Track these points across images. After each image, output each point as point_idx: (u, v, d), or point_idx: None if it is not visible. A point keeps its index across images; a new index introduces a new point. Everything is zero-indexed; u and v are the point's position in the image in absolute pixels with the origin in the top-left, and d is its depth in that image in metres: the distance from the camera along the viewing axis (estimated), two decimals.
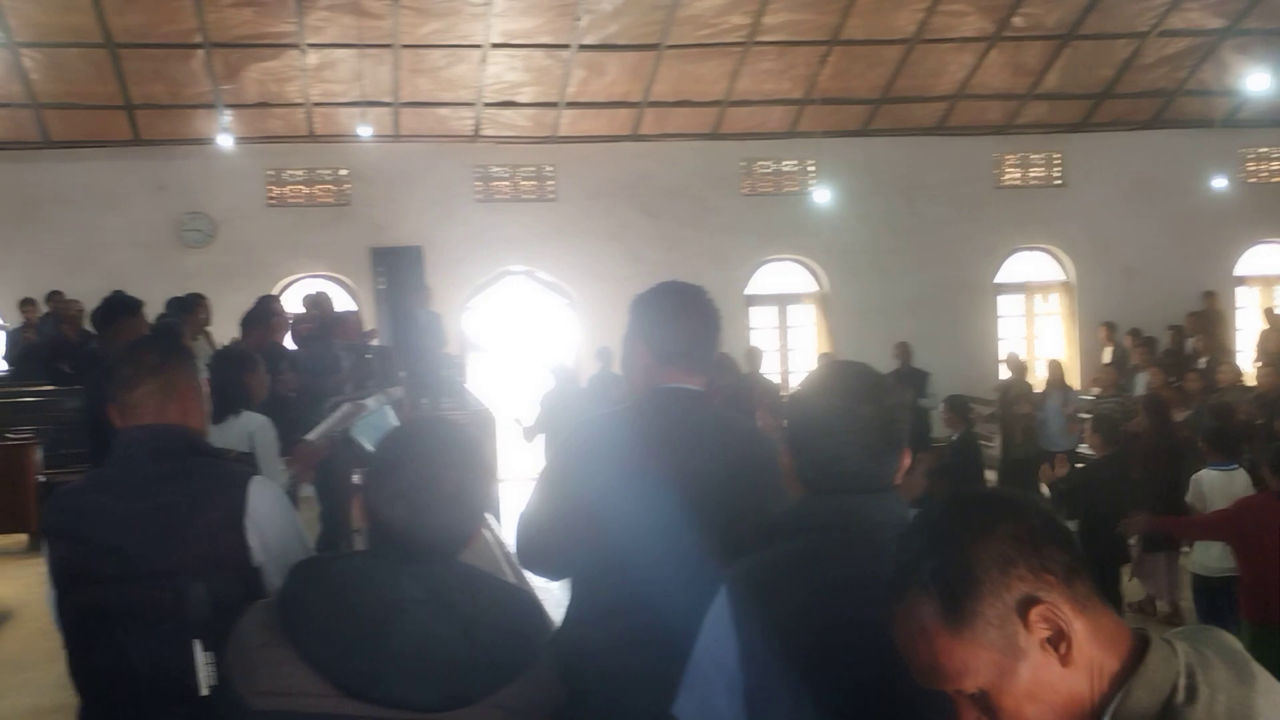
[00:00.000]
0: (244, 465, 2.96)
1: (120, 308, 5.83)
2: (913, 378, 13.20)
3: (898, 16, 15.13)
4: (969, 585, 1.54)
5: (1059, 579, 1.54)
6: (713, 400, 3.27)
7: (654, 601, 2.75)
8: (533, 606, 2.16)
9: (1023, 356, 14.95)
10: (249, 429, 4.84)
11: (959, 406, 10.14)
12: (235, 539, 2.70)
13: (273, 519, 2.78)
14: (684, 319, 3.02)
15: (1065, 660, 1.53)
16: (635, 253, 16.09)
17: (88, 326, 11.55)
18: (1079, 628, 1.54)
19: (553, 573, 3.23)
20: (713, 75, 15.68)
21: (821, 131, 16.29)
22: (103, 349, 10.64)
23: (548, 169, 16.83)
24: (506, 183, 16.85)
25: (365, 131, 15.12)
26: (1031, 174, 18.00)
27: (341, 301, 14.23)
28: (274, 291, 15.54)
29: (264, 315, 6.99)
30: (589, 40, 14.81)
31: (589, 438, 3.03)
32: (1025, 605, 1.53)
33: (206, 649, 2.62)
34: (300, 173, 16.48)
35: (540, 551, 3.03)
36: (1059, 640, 1.53)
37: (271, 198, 16.41)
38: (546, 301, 16.91)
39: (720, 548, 2.76)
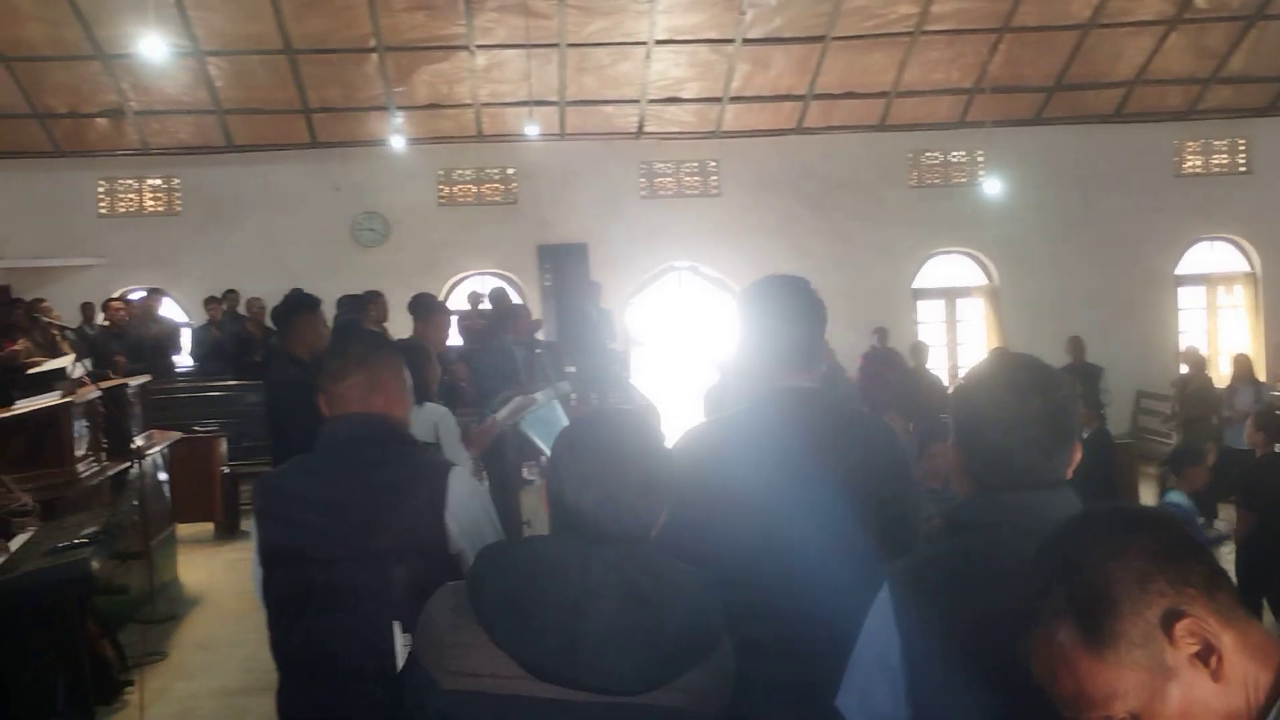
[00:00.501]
0: (442, 456, 3.04)
1: (298, 305, 6.02)
2: (1086, 373, 12.81)
3: (1071, 1, 14.70)
4: (1107, 605, 1.47)
5: (1200, 591, 1.47)
6: (828, 396, 3.19)
7: (786, 605, 2.74)
8: (711, 593, 2.16)
9: (1204, 351, 14.36)
10: (432, 419, 4.93)
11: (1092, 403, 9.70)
12: (435, 525, 2.77)
13: (470, 508, 2.85)
14: (794, 315, 2.96)
15: (1217, 675, 1.45)
16: (800, 246, 15.97)
17: (269, 323, 11.98)
18: (1227, 640, 1.46)
19: None
20: (880, 66, 15.45)
21: (992, 121, 15.91)
22: (280, 345, 11.07)
23: (711, 164, 16.82)
24: (670, 179, 16.90)
25: (532, 130, 15.32)
26: (1214, 161, 17.27)
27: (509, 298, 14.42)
28: (444, 288, 15.94)
29: (430, 311, 7.15)
30: (753, 34, 14.74)
31: (709, 441, 2.99)
32: (1169, 620, 1.45)
33: (405, 630, 2.69)
34: (469, 172, 16.80)
35: (670, 553, 3.02)
36: (1208, 654, 1.45)
37: (442, 197, 16.77)
38: (711, 297, 16.89)
39: (856, 546, 2.72)
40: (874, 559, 2.78)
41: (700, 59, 15.24)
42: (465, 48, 14.77)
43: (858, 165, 16.62)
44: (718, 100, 15.87)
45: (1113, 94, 16.36)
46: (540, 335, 12.21)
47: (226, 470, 10.35)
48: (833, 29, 14.68)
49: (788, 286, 3.00)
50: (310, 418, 5.44)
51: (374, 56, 14.81)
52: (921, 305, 17.31)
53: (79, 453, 7.05)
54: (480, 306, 14.34)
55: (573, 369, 11.39)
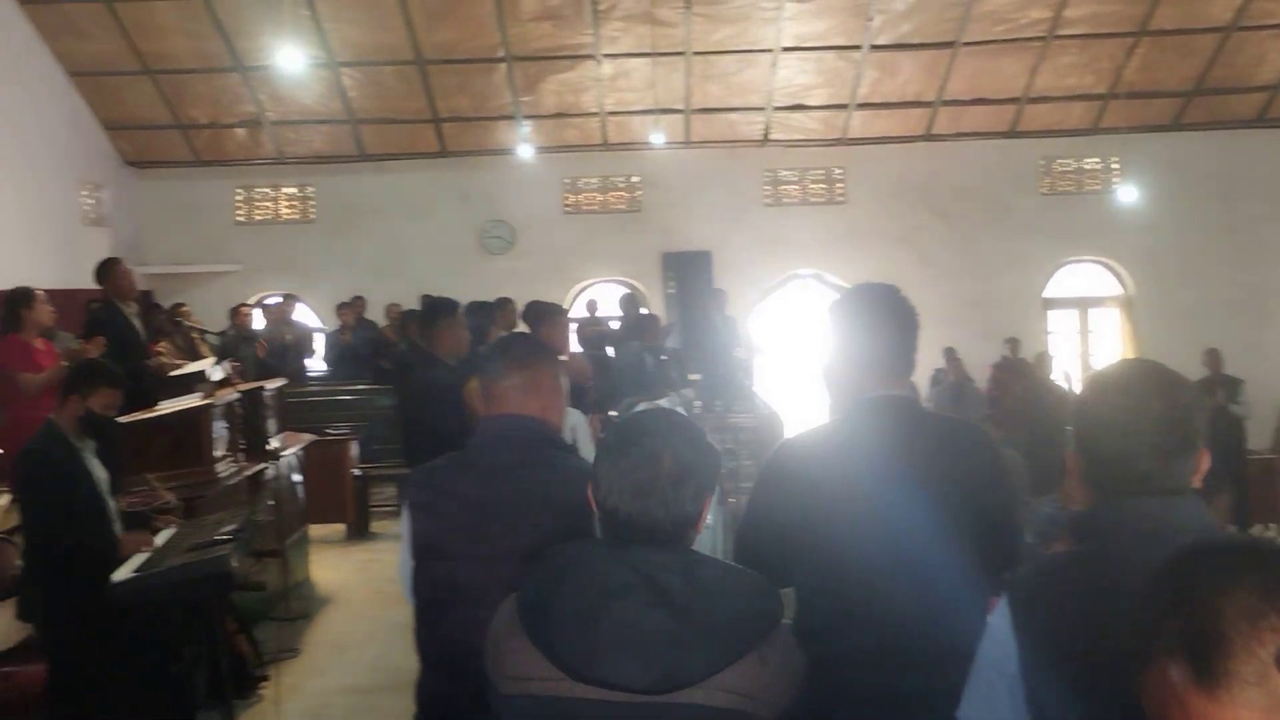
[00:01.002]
0: (586, 464, 3.08)
1: (441, 309, 6.15)
2: (1225, 385, 12.42)
3: (1212, 4, 14.28)
4: (1218, 643, 1.41)
5: None
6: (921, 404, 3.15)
7: (884, 614, 2.72)
8: (760, 591, 2.15)
9: None
10: (570, 423, 4.98)
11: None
12: (582, 528, 2.80)
13: None
14: (884, 323, 2.93)
15: None
16: (927, 255, 15.77)
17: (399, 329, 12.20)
18: None
19: (771, 578, 3.19)
20: (1011, 71, 15.18)
21: (1127, 127, 15.53)
22: (413, 349, 11.26)
23: (837, 171, 16.69)
24: (795, 186, 16.82)
25: (657, 139, 15.39)
26: None
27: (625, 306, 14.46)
28: (569, 295, 16.07)
29: (550, 315, 7.23)
30: (881, 40, 14.60)
31: (805, 451, 2.98)
32: None
33: None
34: (595, 180, 16.93)
35: (757, 562, 3.01)
36: None
37: (567, 205, 16.92)
38: None
39: (954, 554, 2.68)
40: (973, 567, 2.75)
41: (827, 65, 15.14)
42: (592, 57, 14.88)
43: (987, 172, 16.35)
44: (844, 107, 15.75)
45: (1255, 99, 15.84)
46: (669, 342, 12.21)
47: (357, 473, 10.56)
48: (963, 34, 14.47)
49: (877, 294, 2.99)
50: (453, 417, 5.54)
51: (502, 66, 15.01)
52: (1053, 315, 16.95)
53: (218, 453, 7.24)
54: (594, 314, 14.49)
55: (697, 377, 11.38)
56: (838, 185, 16.75)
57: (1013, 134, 16.20)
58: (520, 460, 2.89)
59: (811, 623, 2.82)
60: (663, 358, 8.90)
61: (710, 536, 6.46)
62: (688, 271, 16.26)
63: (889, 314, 2.95)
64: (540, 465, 2.90)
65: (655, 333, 9.65)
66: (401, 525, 3.04)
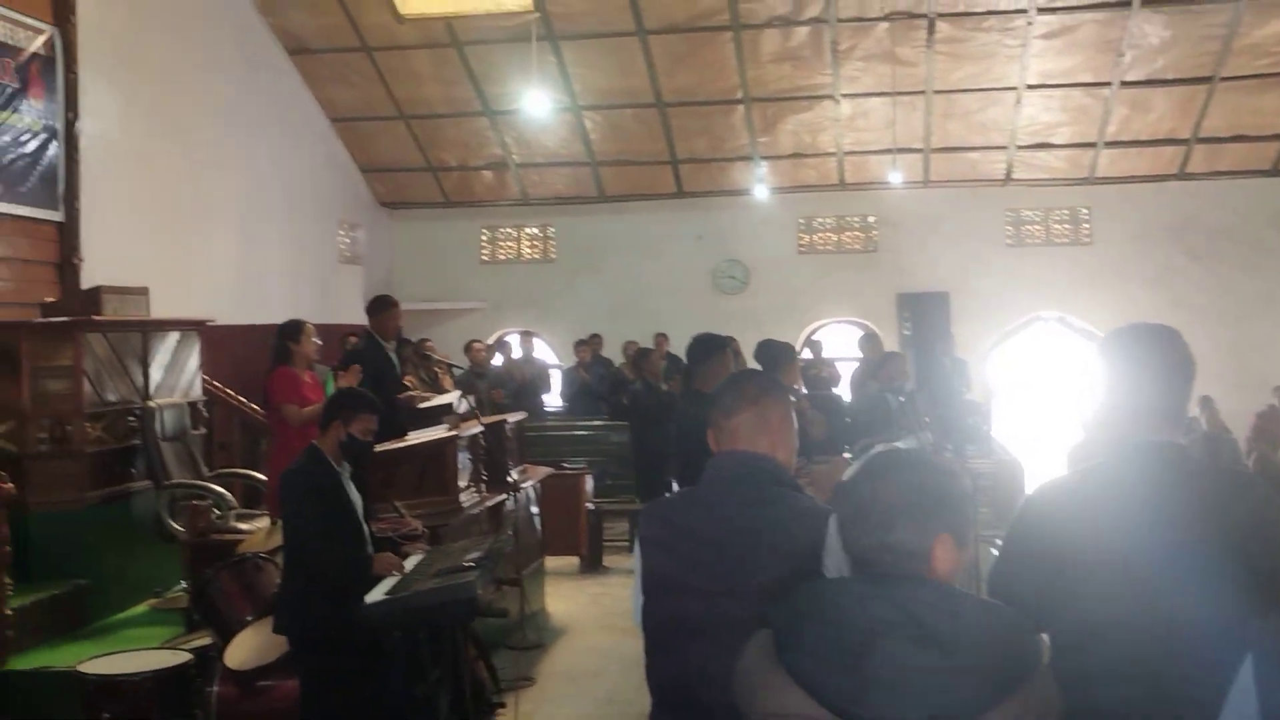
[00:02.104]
0: (819, 504, 3.06)
1: (711, 346, 6.18)
2: None
3: None
4: None
5: None
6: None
7: (1151, 666, 2.62)
8: (1021, 628, 2.11)
9: None
10: None
11: None
12: (813, 569, 2.78)
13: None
14: (1161, 365, 2.80)
15: None
16: (1179, 298, 15.07)
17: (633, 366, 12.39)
18: None
19: None
20: (1273, 107, 14.40)
21: None
22: (646, 387, 11.39)
23: (1083, 211, 16.15)
24: (1038, 226, 16.35)
25: (895, 178, 15.22)
26: None
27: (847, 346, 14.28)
28: (801, 335, 15.99)
29: (783, 357, 7.20)
30: (1132, 76, 14.09)
31: (1070, 495, 2.86)
32: None
33: None
34: (830, 220, 16.86)
35: (1013, 606, 2.92)
36: None
37: (802, 245, 16.90)
38: (1079, 349, 16.17)
39: (1229, 606, 2.54)
40: (1238, 624, 2.60)
41: (1074, 103, 14.69)
42: (830, 97, 14.86)
43: (1247, 212, 15.53)
44: (1092, 145, 15.24)
45: None
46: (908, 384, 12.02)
47: (591, 507, 10.73)
48: (1221, 69, 13.83)
49: (1154, 334, 2.87)
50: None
51: (740, 108, 15.14)
52: None
53: (462, 483, 7.48)
54: (819, 355, 14.37)
55: (928, 420, 11.15)
56: (1084, 225, 16.21)
57: (1275, 172, 15.35)
58: (751, 497, 2.87)
59: (1067, 672, 2.72)
60: (901, 399, 8.78)
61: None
62: (925, 312, 16.00)
63: (1165, 356, 2.83)
64: (771, 503, 2.87)
65: (897, 373, 9.48)
66: (633, 560, 3.06)
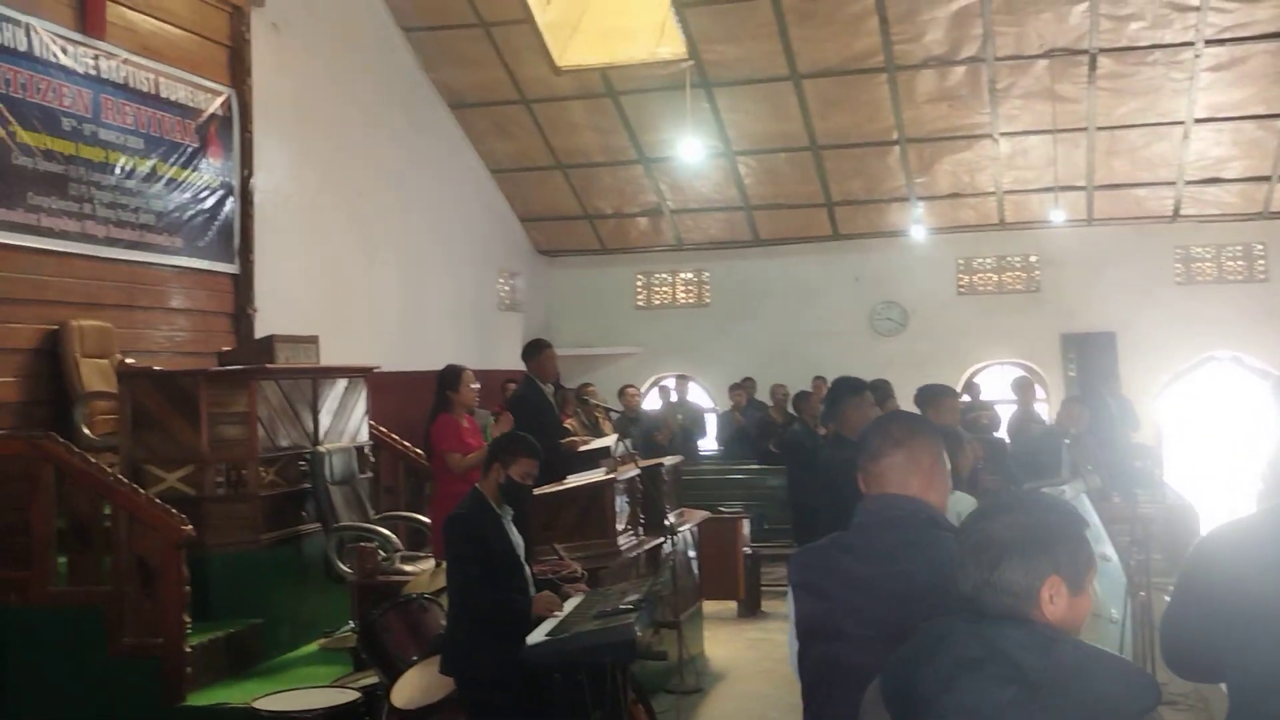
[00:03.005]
0: None
1: (848, 388, 6.15)
2: None
3: None
4: None
5: None
6: None
7: None
8: (1129, 678, 2.06)
9: None
10: (957, 509, 4.86)
11: None
12: None
13: None
14: None
15: None
16: None
17: (790, 410, 12.33)
18: None
19: (1200, 675, 3.03)
20: None
21: None
22: (805, 430, 11.32)
23: (1258, 247, 15.57)
24: (1209, 263, 15.81)
25: (1057, 217, 14.91)
26: None
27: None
28: (962, 378, 15.71)
29: (940, 396, 7.07)
30: None
31: (1244, 539, 2.77)
32: None
33: None
34: (990, 260, 16.59)
35: (1187, 653, 2.86)
36: None
37: (961, 285, 16.66)
38: (1255, 389, 15.52)
39: None
40: None
41: (1245, 136, 14.20)
42: (989, 136, 14.65)
43: None
44: (1265, 179, 14.69)
45: None
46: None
47: (748, 551, 10.68)
48: None
49: None
50: (856, 497, 5.53)
51: (896, 149, 15.03)
52: None
53: (620, 526, 7.53)
54: (977, 399, 14.08)
55: (1092, 466, 10.83)
56: (1258, 262, 15.61)
57: None
58: (904, 541, 2.83)
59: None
60: (1065, 441, 8.56)
61: (1118, 631, 6.11)
62: (1090, 353, 15.59)
63: None
64: (925, 546, 2.82)
65: (1070, 419, 9.21)
66: (787, 606, 3.04)
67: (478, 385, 8.00)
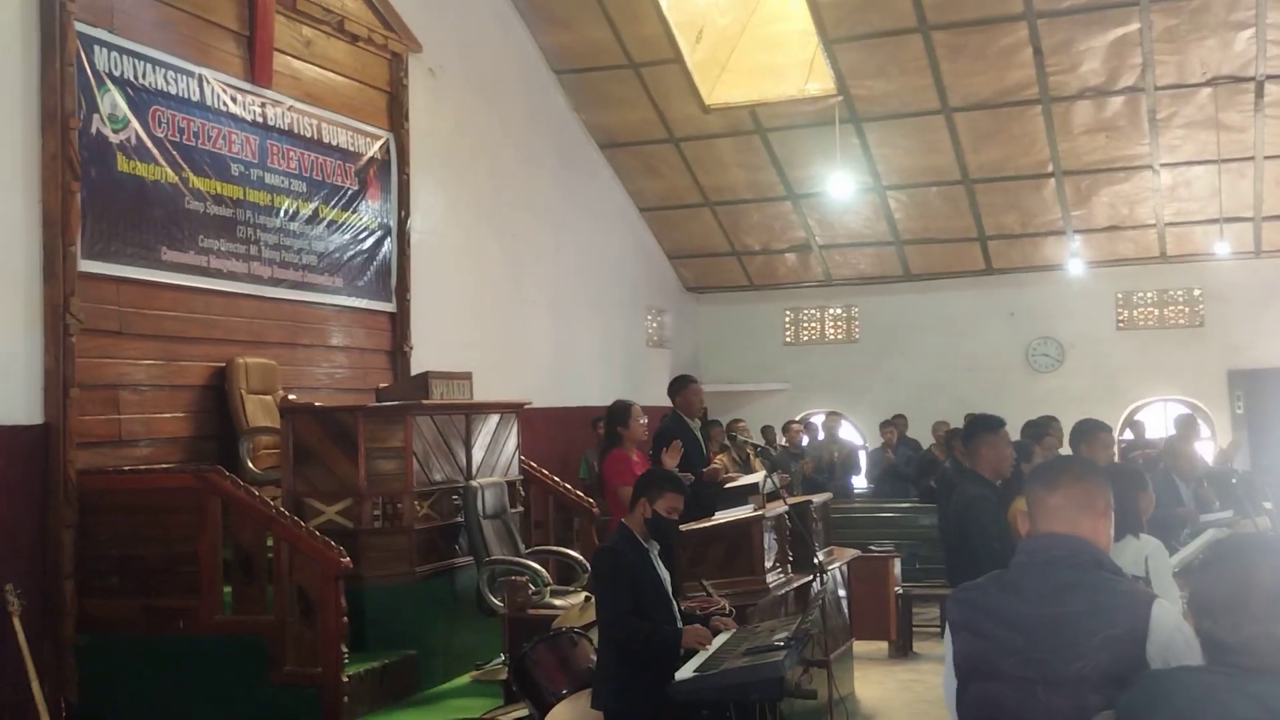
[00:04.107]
0: (1146, 587, 2.94)
1: (982, 425, 6.04)
2: None
3: None
4: None
5: None
6: None
7: None
8: None
9: None
10: (1144, 552, 4.70)
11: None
12: (1136, 658, 2.66)
13: (1175, 644, 2.70)
14: None
15: None
16: None
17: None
18: None
19: None
20: None
21: None
22: (955, 467, 11.12)
23: None
24: None
25: (1222, 249, 14.42)
26: None
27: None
28: (1121, 415, 15.27)
29: (1096, 431, 6.88)
30: None
31: None
32: None
33: None
34: (1151, 294, 16.13)
35: None
36: None
37: (1121, 320, 16.22)
38: None
39: None
40: None
41: None
42: (1149, 167, 14.26)
43: None
44: None
45: None
46: (1236, 465, 11.27)
47: (900, 590, 10.51)
48: None
49: None
50: (995, 536, 5.41)
51: (1051, 182, 14.73)
52: None
53: (768, 563, 7.47)
54: (1141, 437, 13.66)
55: (1269, 504, 10.38)
56: None
57: None
58: (1069, 582, 2.77)
59: None
60: (1233, 480, 8.23)
61: None
62: (1259, 390, 15.04)
63: None
64: (1093, 588, 2.76)
65: (1189, 462, 8.83)
66: (944, 646, 3.00)
67: (645, 420, 8.11)
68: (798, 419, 15.56)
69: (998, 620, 2.82)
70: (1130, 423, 14.90)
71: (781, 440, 15.05)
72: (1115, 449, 9.07)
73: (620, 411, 7.97)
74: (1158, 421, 15.12)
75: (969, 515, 5.61)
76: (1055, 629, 2.72)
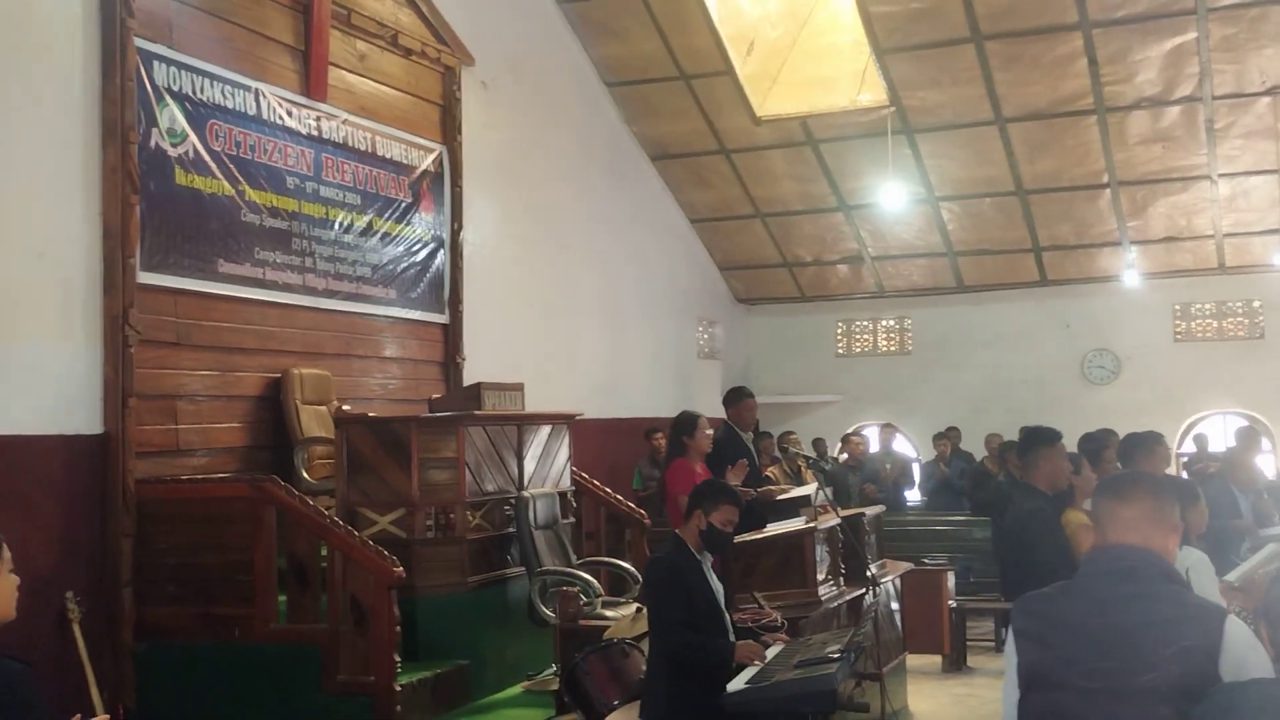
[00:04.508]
0: (1212, 603, 2.93)
1: (1039, 438, 5.98)
2: None
3: None
4: None
5: None
6: None
7: None
8: None
9: None
10: (1185, 564, 4.66)
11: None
12: (1208, 671, 2.64)
13: (1249, 660, 2.68)
14: None
15: None
16: None
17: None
18: None
19: None
20: None
21: None
22: (1010, 481, 11.02)
23: None
24: None
25: None
26: None
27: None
28: (1179, 429, 15.09)
29: (1152, 443, 6.79)
30: None
31: None
32: None
33: None
34: (1209, 306, 15.93)
35: None
36: None
37: (1178, 332, 16.02)
38: None
39: None
40: None
41: None
42: (1206, 177, 14.09)
43: None
44: None
45: None
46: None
47: (953, 604, 10.43)
48: None
49: None
50: (1053, 549, 5.36)
51: (1106, 192, 14.59)
52: None
53: (819, 576, 7.44)
54: (1204, 450, 13.49)
55: None
56: None
57: None
58: (1138, 593, 2.77)
59: None
60: (1264, 495, 8.14)
61: None
62: None
63: None
64: (1163, 600, 2.76)
65: (1247, 473, 8.69)
66: (1005, 655, 2.99)
67: (711, 432, 8.12)
68: (856, 432, 15.49)
69: (1065, 629, 2.81)
70: (1193, 436, 14.68)
71: (835, 453, 15.01)
72: (1174, 461, 8.95)
73: (688, 422, 8.02)
74: (1218, 434, 14.89)
75: (1028, 529, 5.56)
76: (1125, 639, 2.72)
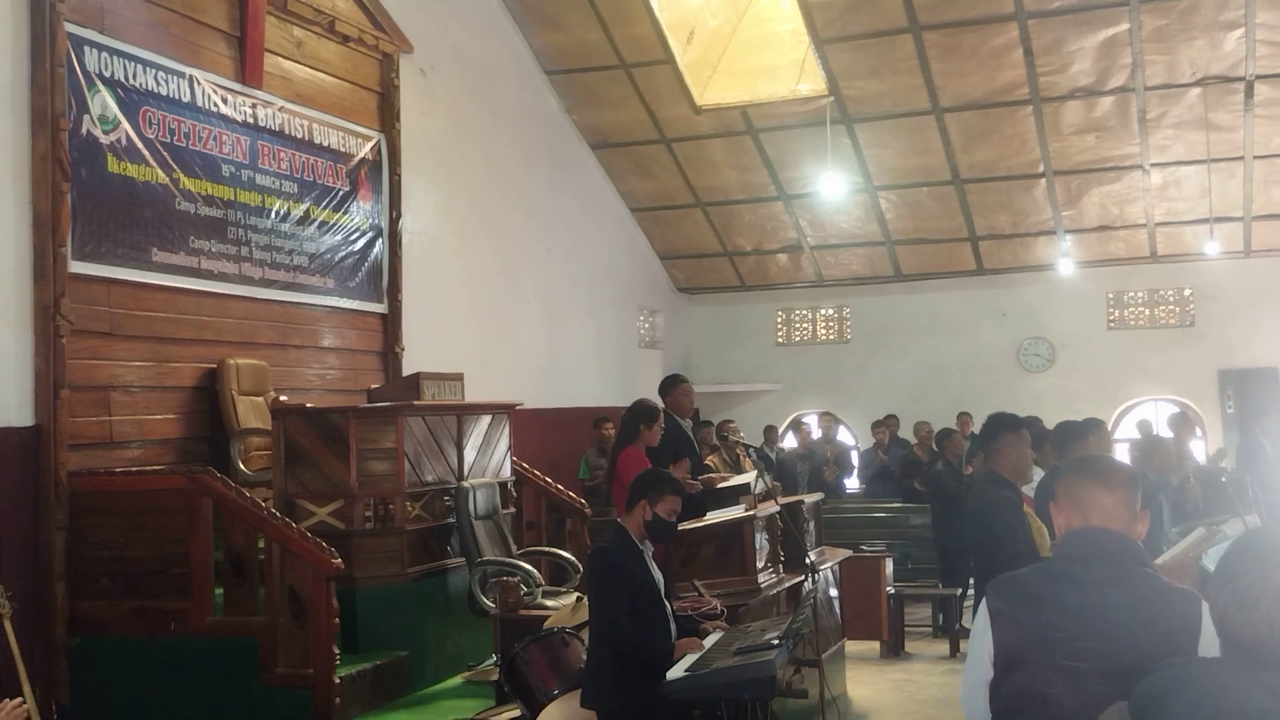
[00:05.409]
0: (1185, 588, 2.99)
1: (1004, 425, 5.97)
2: None
3: None
4: None
5: None
6: None
7: None
8: None
9: None
10: None
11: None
12: (1189, 652, 2.69)
13: (1217, 641, 2.73)
14: None
15: None
16: None
17: (934, 448, 12.14)
18: None
19: None
20: None
21: None
22: (946, 468, 11.15)
23: None
24: None
25: (1212, 249, 14.47)
26: None
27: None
28: (1114, 415, 15.30)
29: (1074, 437, 6.84)
30: None
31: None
32: None
33: None
34: (1141, 294, 16.17)
35: None
36: None
37: (1112, 320, 16.25)
38: None
39: None
40: None
41: None
42: (1139, 167, 14.30)
43: None
44: None
45: None
46: (1225, 465, 11.29)
47: (892, 591, 10.53)
48: None
49: None
50: (1020, 537, 5.41)
51: (1042, 182, 14.77)
52: None
53: (759, 563, 7.49)
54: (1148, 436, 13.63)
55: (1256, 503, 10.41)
56: None
57: None
58: (1118, 575, 2.83)
59: None
60: (1222, 480, 8.25)
61: None
62: (1250, 390, 15.06)
63: None
64: (1135, 581, 2.83)
65: (1165, 459, 8.79)
66: (974, 635, 3.01)
67: (665, 428, 8.12)
68: (788, 421, 15.58)
69: (1047, 608, 2.84)
70: (1137, 423, 14.85)
71: (786, 442, 15.10)
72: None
73: (648, 412, 7.98)
74: (1154, 421, 15.11)
75: (995, 517, 5.56)
76: (1107, 620, 2.77)
